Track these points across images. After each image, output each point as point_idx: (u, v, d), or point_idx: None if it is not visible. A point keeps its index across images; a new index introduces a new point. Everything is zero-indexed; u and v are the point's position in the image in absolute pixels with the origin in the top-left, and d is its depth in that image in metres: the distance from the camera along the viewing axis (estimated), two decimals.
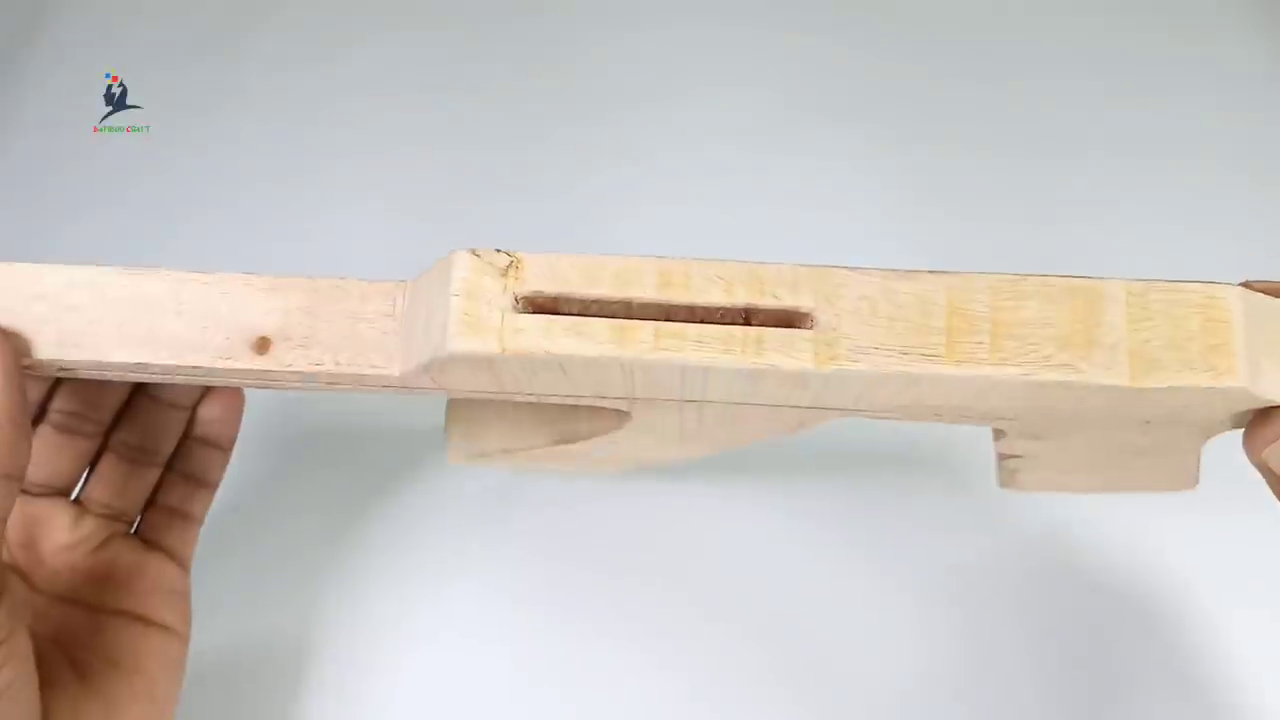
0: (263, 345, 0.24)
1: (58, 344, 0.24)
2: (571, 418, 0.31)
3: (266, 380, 0.25)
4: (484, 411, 0.33)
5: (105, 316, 0.24)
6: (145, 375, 0.25)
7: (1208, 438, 0.26)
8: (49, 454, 0.30)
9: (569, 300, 0.22)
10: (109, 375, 0.25)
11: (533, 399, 0.25)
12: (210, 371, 0.24)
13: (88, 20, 0.57)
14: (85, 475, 0.31)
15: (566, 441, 0.31)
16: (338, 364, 0.24)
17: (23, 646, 0.25)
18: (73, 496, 0.31)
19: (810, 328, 0.21)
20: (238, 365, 0.24)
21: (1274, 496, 0.24)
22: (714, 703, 0.37)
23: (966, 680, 0.37)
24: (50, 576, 0.29)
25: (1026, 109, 0.54)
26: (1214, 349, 0.21)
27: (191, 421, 0.32)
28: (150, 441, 0.31)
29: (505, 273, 0.21)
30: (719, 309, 0.21)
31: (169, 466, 0.32)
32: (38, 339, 0.24)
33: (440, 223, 0.47)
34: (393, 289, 0.24)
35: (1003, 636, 0.38)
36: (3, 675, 0.24)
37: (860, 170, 0.50)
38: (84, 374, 0.25)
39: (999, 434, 0.28)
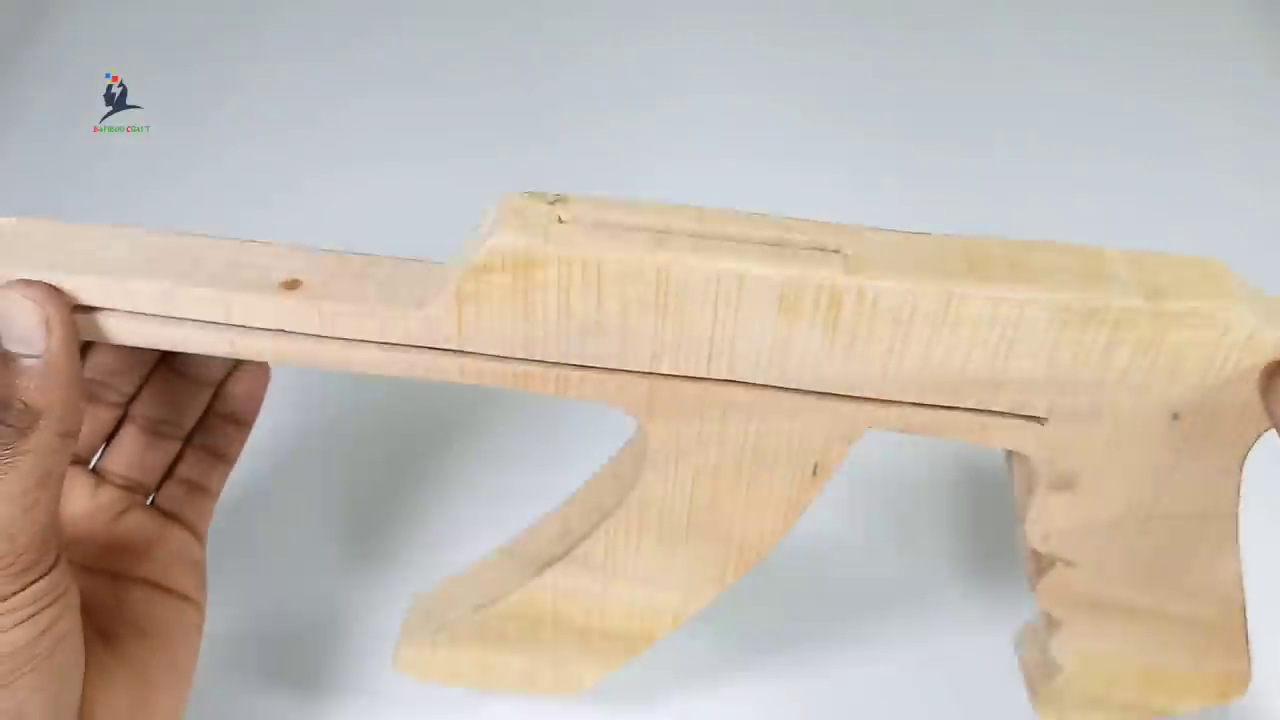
0: (292, 284, 0.25)
1: (98, 280, 0.24)
2: (578, 511, 0.31)
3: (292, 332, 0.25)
4: (453, 586, 0.33)
5: (136, 255, 0.25)
6: (178, 339, 0.25)
7: (1241, 452, 0.25)
8: None
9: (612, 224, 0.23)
10: (141, 339, 0.25)
11: (542, 368, 0.25)
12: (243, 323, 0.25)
13: (88, 20, 0.57)
14: (104, 446, 0.31)
15: (549, 563, 0.30)
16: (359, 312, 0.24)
17: (76, 599, 0.26)
18: (91, 466, 0.31)
19: (839, 254, 0.23)
20: (268, 303, 0.24)
21: None
22: (720, 701, 0.37)
23: (962, 681, 0.37)
24: (71, 546, 0.29)
25: (1027, 109, 0.54)
26: (1214, 280, 0.23)
27: (215, 397, 0.32)
28: (173, 415, 0.31)
29: (552, 203, 0.23)
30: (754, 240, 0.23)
31: (189, 440, 0.32)
32: (80, 290, 0.24)
33: (442, 224, 0.47)
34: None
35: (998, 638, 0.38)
36: (61, 625, 0.25)
37: (860, 172, 0.50)
38: (116, 338, 0.25)
39: (1049, 624, 0.30)
